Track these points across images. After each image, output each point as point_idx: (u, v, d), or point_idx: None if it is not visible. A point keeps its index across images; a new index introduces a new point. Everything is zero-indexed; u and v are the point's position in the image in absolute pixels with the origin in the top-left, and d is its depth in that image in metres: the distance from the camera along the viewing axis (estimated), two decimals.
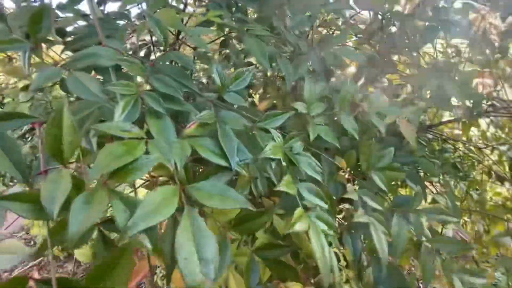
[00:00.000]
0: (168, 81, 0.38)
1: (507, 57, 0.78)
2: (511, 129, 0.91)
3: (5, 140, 0.27)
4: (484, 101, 0.79)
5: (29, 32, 0.32)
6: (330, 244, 0.37)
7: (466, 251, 0.56)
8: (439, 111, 0.87)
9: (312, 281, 0.63)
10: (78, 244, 0.27)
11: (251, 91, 0.89)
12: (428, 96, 0.68)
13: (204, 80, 0.91)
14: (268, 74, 0.86)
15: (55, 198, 0.23)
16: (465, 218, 0.85)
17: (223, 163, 0.34)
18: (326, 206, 0.38)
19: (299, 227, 0.34)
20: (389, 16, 0.73)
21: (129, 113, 0.33)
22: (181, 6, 0.62)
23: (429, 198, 0.81)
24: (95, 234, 0.31)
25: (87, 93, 0.31)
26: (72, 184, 0.24)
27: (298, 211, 0.35)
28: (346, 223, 0.64)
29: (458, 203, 0.77)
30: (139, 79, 0.40)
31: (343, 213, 0.81)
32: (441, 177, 0.79)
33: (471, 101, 0.74)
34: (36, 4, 0.44)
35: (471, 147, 0.93)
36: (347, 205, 0.83)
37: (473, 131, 1.02)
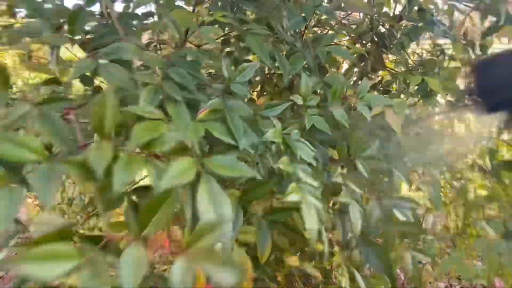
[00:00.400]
0: (183, 73, 0.43)
1: (487, 56, 0.85)
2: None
3: (52, 119, 0.33)
4: (466, 96, 0.85)
5: (68, 30, 0.38)
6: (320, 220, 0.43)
7: (422, 234, 0.63)
8: (426, 106, 0.93)
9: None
10: (116, 205, 0.33)
11: (249, 88, 0.95)
12: (413, 91, 0.75)
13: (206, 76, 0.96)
14: (266, 72, 0.92)
15: (100, 162, 0.28)
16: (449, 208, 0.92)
17: (232, 142, 0.40)
18: (316, 184, 0.44)
19: (292, 197, 0.40)
20: (377, 18, 0.79)
21: (152, 99, 0.39)
22: (190, 8, 0.68)
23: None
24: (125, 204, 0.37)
25: (117, 80, 0.37)
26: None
27: (293, 185, 0.41)
28: (336, 207, 0.71)
29: (441, 193, 0.84)
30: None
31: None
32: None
33: (454, 96, 0.81)
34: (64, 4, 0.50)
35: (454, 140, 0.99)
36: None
37: (460, 127, 1.09)
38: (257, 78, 0.90)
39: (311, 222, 0.40)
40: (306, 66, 0.66)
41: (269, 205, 0.50)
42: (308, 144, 0.49)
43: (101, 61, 0.39)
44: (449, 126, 0.98)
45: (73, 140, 0.33)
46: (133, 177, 0.28)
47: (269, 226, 0.47)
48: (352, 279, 0.64)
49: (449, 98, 0.88)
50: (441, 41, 0.93)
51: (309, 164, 0.49)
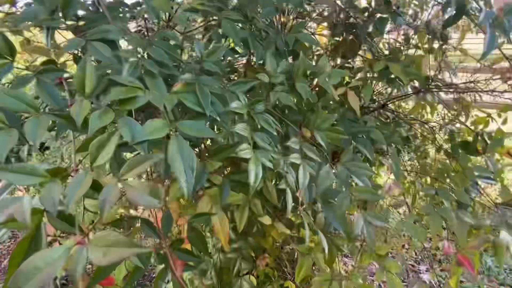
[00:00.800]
0: (161, 51, 0.51)
1: (447, 44, 0.93)
2: (456, 109, 1.06)
3: (47, 84, 0.41)
4: (430, 81, 0.94)
5: (62, 14, 0.45)
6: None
7: (377, 199, 0.71)
8: (392, 91, 1.02)
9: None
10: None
11: (234, 75, 1.02)
12: (376, 75, 0.82)
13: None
14: (246, 59, 0.99)
15: (80, 114, 0.36)
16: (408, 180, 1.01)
17: (200, 110, 0.48)
18: (270, 148, 0.52)
19: (244, 154, 0.48)
20: (347, 10, 0.87)
21: (133, 72, 0.46)
22: None
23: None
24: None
25: (103, 56, 0.45)
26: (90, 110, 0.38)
27: (244, 145, 0.50)
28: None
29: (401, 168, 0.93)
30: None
31: None
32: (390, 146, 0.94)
33: (418, 80, 0.89)
34: None
35: (424, 124, 1.08)
36: None
37: (428, 113, 1.17)
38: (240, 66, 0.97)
39: (255, 175, 0.48)
40: (277, 50, 0.73)
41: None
42: (270, 117, 0.57)
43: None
44: (414, 110, 1.06)
45: (64, 100, 0.41)
46: (105, 124, 0.36)
47: (229, 184, 0.55)
48: None
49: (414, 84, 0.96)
50: (409, 31, 1.00)
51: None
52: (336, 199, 0.70)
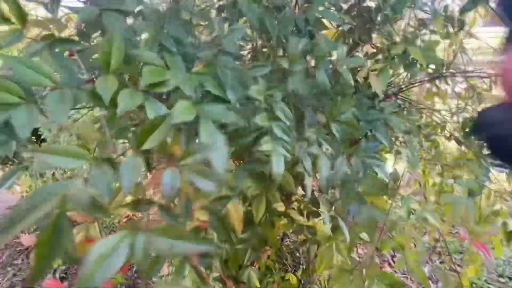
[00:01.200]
0: (177, 26, 0.47)
1: (464, 30, 0.91)
2: (466, 97, 1.05)
3: (61, 56, 0.36)
4: (444, 68, 0.91)
5: None
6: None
7: (385, 191, 0.70)
8: (406, 78, 0.99)
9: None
10: (122, 135, 0.37)
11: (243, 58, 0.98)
12: (396, 59, 0.80)
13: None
14: (259, 44, 0.95)
15: (107, 91, 0.32)
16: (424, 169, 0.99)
17: (221, 94, 0.44)
18: (289, 140, 0.49)
19: (265, 147, 0.45)
20: None
21: (150, 47, 0.42)
22: None
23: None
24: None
25: (117, 27, 0.40)
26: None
27: (266, 138, 0.46)
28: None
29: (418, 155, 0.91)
30: None
31: None
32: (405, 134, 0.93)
33: (433, 66, 0.87)
34: None
35: (435, 113, 1.06)
36: None
37: (439, 102, 1.16)
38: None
39: (278, 167, 0.45)
40: (295, 31, 0.69)
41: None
42: (286, 108, 0.54)
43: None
44: (427, 98, 1.04)
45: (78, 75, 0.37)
46: (134, 105, 0.32)
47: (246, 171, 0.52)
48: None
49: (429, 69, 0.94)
50: (424, 15, 0.98)
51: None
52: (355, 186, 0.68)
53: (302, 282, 1.60)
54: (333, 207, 0.72)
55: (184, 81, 0.41)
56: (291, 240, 2.02)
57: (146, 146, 0.30)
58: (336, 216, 0.68)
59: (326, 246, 0.72)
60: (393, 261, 1.98)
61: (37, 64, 0.31)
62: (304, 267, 1.69)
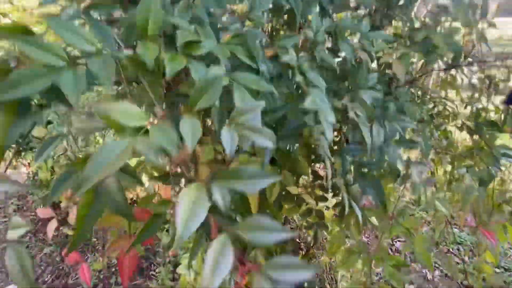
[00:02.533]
0: None
1: (486, 18, 0.89)
2: (481, 88, 1.04)
3: (100, 24, 0.36)
4: (462, 57, 0.90)
5: None
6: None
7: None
8: (422, 66, 0.98)
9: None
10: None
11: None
12: (416, 44, 0.79)
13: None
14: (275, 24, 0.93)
15: (149, 56, 0.32)
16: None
17: (251, 63, 0.44)
18: (327, 103, 0.49)
19: (311, 104, 0.45)
20: None
21: (183, 15, 0.42)
22: None
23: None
24: None
25: None
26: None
27: (310, 98, 0.46)
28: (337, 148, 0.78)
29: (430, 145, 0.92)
30: None
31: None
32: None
33: (452, 53, 0.85)
34: None
35: (447, 102, 1.06)
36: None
37: (451, 92, 1.15)
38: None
39: (328, 130, 0.45)
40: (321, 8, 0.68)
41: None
42: (318, 75, 0.53)
43: None
44: (442, 87, 1.04)
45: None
46: (180, 68, 0.32)
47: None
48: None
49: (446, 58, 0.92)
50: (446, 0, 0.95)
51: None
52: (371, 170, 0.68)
53: None
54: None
55: (216, 48, 0.40)
56: (292, 227, 2.06)
57: (199, 105, 0.30)
58: (349, 199, 0.69)
59: (338, 230, 0.74)
60: (391, 249, 2.04)
61: (79, 29, 0.31)
62: (304, 252, 1.74)
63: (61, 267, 2.26)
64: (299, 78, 0.47)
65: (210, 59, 0.40)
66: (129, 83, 0.44)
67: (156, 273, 2.25)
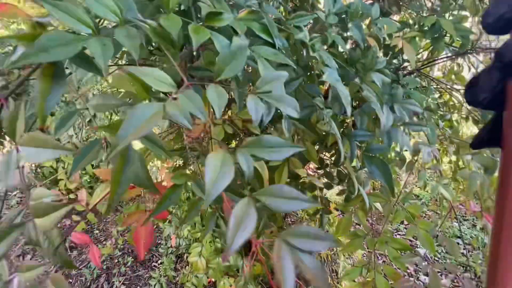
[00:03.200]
0: None
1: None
2: None
3: None
4: (470, 44, 0.91)
5: None
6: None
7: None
8: (429, 55, 0.98)
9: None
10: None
11: None
12: (426, 28, 0.79)
13: None
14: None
15: (174, 27, 0.33)
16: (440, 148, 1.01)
17: (268, 38, 0.44)
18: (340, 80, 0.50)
19: (328, 78, 0.45)
20: None
21: None
22: None
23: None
24: None
25: None
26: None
27: (326, 73, 0.47)
28: (346, 133, 0.78)
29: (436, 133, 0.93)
30: None
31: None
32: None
33: (461, 39, 0.86)
34: None
35: (453, 92, 1.07)
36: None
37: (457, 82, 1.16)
38: None
39: (345, 100, 0.46)
40: None
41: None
42: (329, 55, 0.54)
43: None
44: (449, 75, 1.04)
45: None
46: (205, 39, 0.33)
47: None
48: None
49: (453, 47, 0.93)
50: None
51: None
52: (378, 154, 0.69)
53: None
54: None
55: (235, 22, 0.41)
56: (292, 220, 2.08)
57: (224, 75, 0.31)
58: (357, 184, 0.70)
59: (346, 214, 0.75)
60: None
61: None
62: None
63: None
64: (315, 54, 0.47)
65: (225, 35, 0.41)
66: (151, 54, 0.45)
67: (159, 264, 2.28)
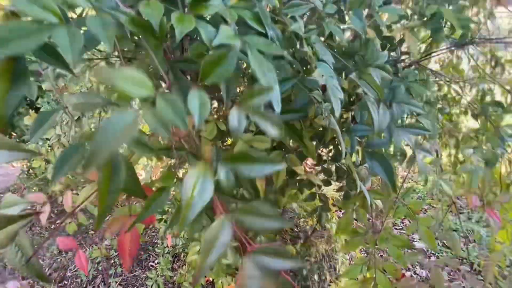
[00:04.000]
0: None
1: None
2: (486, 67, 1.03)
3: None
4: (470, 35, 0.88)
5: None
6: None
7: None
8: (428, 47, 0.96)
9: None
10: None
11: None
12: (427, 19, 0.76)
13: None
14: None
15: (154, 16, 0.29)
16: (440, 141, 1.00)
17: (260, 28, 0.41)
18: (334, 77, 0.47)
19: (317, 77, 0.42)
20: None
21: None
22: None
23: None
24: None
25: None
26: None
27: (317, 70, 0.44)
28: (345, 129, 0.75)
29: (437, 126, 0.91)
30: None
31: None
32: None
33: (461, 30, 0.83)
34: None
35: (452, 85, 1.04)
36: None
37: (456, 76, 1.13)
38: None
39: (337, 105, 0.43)
40: None
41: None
42: (327, 49, 0.51)
43: None
44: (447, 68, 1.02)
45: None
46: (190, 29, 0.29)
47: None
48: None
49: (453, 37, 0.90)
50: None
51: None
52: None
53: (301, 254, 1.66)
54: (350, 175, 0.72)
55: (224, 10, 0.37)
56: (290, 217, 2.07)
57: (211, 80, 0.28)
58: (358, 181, 0.67)
59: (346, 212, 0.73)
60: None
61: None
62: (302, 240, 1.75)
63: (59, 260, 2.24)
64: (307, 48, 0.44)
65: (215, 25, 0.37)
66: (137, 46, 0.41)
67: (155, 264, 2.25)
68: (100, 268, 2.21)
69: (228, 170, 0.25)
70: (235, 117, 0.28)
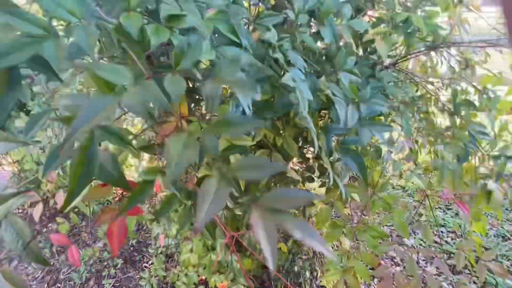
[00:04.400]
0: None
1: (463, 3, 0.93)
2: (459, 70, 1.09)
3: None
4: (441, 39, 0.94)
5: None
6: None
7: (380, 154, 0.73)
8: (403, 50, 1.01)
9: None
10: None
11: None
12: (398, 27, 0.81)
13: None
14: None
15: (133, 25, 0.33)
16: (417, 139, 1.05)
17: (235, 38, 0.45)
18: (305, 81, 0.51)
19: (288, 82, 0.47)
20: None
21: None
22: None
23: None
24: None
25: None
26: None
27: (288, 74, 0.48)
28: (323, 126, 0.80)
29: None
30: None
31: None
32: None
33: (432, 35, 0.89)
34: None
35: (428, 85, 1.10)
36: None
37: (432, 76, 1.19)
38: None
39: (303, 105, 0.47)
40: None
41: None
42: (297, 55, 0.55)
43: None
44: (422, 69, 1.07)
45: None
46: (164, 39, 0.33)
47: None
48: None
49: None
50: None
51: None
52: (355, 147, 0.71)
53: (292, 251, 1.71)
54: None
55: (200, 23, 0.41)
56: None
57: (182, 65, 0.31)
58: (334, 176, 0.72)
59: (324, 206, 0.77)
60: None
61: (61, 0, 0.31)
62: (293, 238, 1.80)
63: (52, 263, 2.24)
64: (278, 55, 0.48)
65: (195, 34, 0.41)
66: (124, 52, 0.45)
67: (149, 265, 2.27)
68: (93, 270, 2.22)
69: (211, 135, 0.28)
70: (207, 88, 0.31)
